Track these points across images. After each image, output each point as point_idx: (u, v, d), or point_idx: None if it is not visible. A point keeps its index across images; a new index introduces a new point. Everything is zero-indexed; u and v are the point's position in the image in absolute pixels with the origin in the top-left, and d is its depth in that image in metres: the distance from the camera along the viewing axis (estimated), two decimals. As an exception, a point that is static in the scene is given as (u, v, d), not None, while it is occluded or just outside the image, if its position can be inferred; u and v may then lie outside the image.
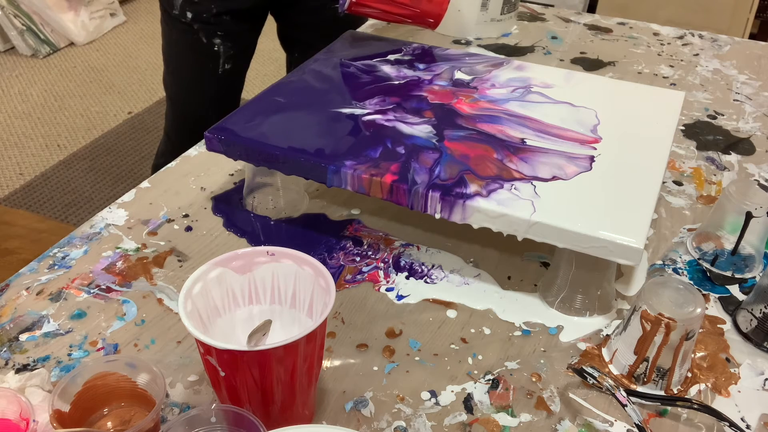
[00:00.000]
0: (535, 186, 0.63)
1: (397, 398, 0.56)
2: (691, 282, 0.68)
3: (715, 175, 0.85)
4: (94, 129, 2.36)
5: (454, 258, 0.71)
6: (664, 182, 0.82)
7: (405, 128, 0.71)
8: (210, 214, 0.76)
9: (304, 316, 0.54)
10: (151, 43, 2.94)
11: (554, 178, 0.65)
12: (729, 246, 0.70)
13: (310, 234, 0.73)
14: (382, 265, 0.70)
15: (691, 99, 1.00)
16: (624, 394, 0.52)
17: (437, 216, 0.63)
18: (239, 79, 1.28)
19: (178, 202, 0.77)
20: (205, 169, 0.83)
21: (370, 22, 1.20)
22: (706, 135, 0.92)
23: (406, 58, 0.86)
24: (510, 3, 1.15)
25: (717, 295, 0.67)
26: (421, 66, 0.84)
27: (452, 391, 0.57)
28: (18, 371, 0.57)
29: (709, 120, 0.96)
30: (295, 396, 0.50)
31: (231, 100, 1.27)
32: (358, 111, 0.74)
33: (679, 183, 0.83)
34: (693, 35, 1.21)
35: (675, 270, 0.70)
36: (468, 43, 1.14)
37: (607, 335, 0.62)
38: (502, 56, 0.97)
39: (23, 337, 0.60)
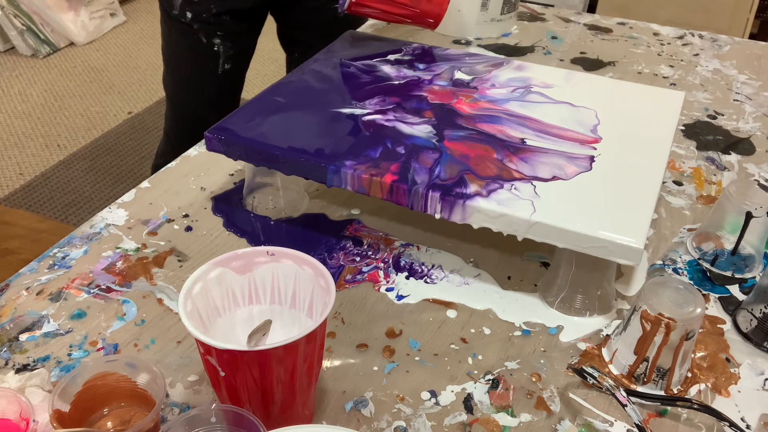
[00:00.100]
0: (535, 186, 0.63)
1: (397, 398, 0.56)
2: (691, 282, 0.68)
3: (715, 175, 0.85)
4: (94, 129, 2.36)
5: (454, 258, 0.71)
6: (664, 182, 0.82)
7: (405, 128, 0.71)
8: (210, 214, 0.76)
9: (304, 316, 0.54)
10: (151, 43, 2.94)
11: (554, 178, 0.65)
12: (729, 246, 0.70)
13: (310, 234, 0.73)
14: (382, 265, 0.70)
15: (691, 99, 1.00)
16: (624, 394, 0.52)
17: (437, 216, 0.63)
18: (239, 79, 1.27)
19: (178, 202, 0.77)
20: (205, 169, 0.83)
21: (370, 22, 1.20)
22: (706, 135, 0.92)
23: (406, 58, 0.86)
24: (510, 3, 1.15)
25: (717, 295, 0.67)
26: (421, 66, 0.84)
27: (452, 391, 0.57)
28: (18, 371, 0.57)
29: (709, 120, 0.96)
30: (295, 396, 0.50)
31: (231, 100, 1.27)
32: (358, 111, 0.74)
33: (679, 183, 0.83)
34: (693, 35, 1.21)
35: (675, 270, 0.70)
36: (468, 43, 1.14)
37: (607, 335, 0.62)
38: (502, 56, 0.97)
39: (23, 337, 0.60)
